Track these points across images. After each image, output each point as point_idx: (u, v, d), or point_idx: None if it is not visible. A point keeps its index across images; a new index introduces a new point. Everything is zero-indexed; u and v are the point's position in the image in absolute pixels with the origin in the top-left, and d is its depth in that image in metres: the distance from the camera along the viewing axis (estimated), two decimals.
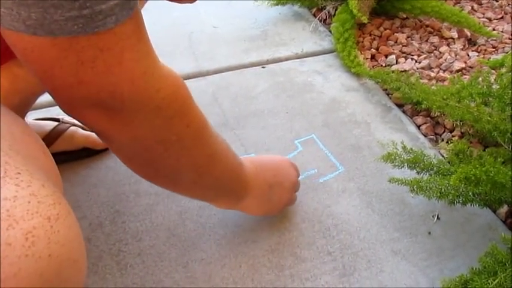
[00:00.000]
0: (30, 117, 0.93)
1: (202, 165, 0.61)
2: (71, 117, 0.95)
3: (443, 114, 1.03)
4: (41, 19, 0.37)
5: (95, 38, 0.40)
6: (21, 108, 0.86)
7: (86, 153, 0.93)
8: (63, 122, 0.93)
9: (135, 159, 0.58)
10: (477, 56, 1.26)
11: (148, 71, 0.47)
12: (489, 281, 0.63)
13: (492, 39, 1.32)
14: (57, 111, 1.05)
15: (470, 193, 0.75)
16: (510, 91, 0.88)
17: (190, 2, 0.50)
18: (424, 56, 1.26)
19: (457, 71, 1.20)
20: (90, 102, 0.46)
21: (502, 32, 1.36)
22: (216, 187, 0.68)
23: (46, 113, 1.04)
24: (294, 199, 0.82)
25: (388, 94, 1.15)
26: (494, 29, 1.38)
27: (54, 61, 0.41)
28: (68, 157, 0.92)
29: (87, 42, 0.40)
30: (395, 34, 1.35)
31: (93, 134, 0.93)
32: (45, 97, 0.90)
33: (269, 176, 0.76)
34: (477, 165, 0.69)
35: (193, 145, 0.58)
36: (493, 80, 0.96)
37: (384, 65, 1.25)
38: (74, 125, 0.93)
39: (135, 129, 0.51)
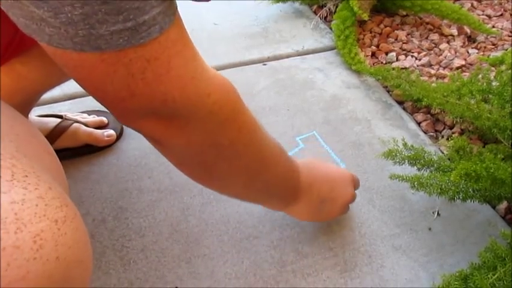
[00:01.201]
0: (33, 113, 0.93)
1: (254, 169, 0.61)
2: (73, 114, 0.97)
3: (444, 111, 1.03)
4: (88, 35, 0.37)
5: (141, 49, 0.40)
6: (25, 106, 0.87)
7: (88, 150, 0.94)
8: (66, 119, 0.93)
9: (188, 164, 0.59)
10: (477, 53, 1.27)
11: (196, 75, 0.47)
12: (489, 275, 0.64)
13: (492, 37, 1.33)
14: (59, 108, 1.06)
15: (470, 189, 0.76)
16: (510, 88, 0.89)
17: (207, 0, 0.50)
18: (424, 53, 1.27)
19: (457, 68, 1.21)
20: (144, 112, 0.47)
21: (502, 29, 1.37)
22: (266, 191, 0.68)
23: (49, 109, 1.05)
24: (345, 212, 0.81)
25: (388, 91, 1.16)
26: (493, 26, 1.38)
27: (105, 76, 0.42)
28: (71, 154, 0.92)
29: (134, 54, 0.40)
30: (395, 31, 1.36)
31: (96, 131, 0.94)
32: (48, 93, 0.91)
33: (324, 190, 0.74)
34: (477, 162, 0.69)
35: (246, 149, 0.58)
36: (492, 77, 0.96)
37: (384, 62, 1.26)
38: (77, 121, 0.94)
39: (189, 135, 0.51)
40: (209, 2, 0.50)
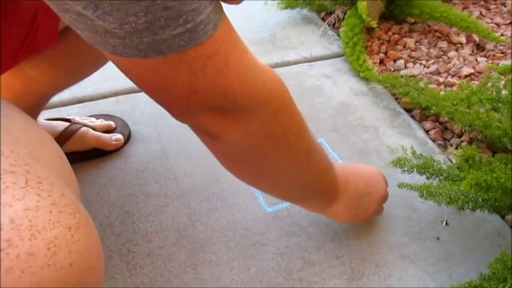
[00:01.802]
0: (42, 117, 0.94)
1: (303, 161, 0.62)
2: (81, 118, 0.97)
3: (452, 120, 1.03)
4: (152, 42, 0.39)
5: (200, 47, 0.42)
6: (34, 109, 0.87)
7: (96, 154, 0.94)
8: (74, 123, 0.93)
9: (242, 159, 0.59)
10: (486, 61, 1.26)
11: (250, 66, 0.48)
12: (498, 287, 0.63)
13: (501, 45, 1.32)
14: (68, 111, 1.06)
15: (480, 199, 0.75)
16: None
17: (237, 4, 0.50)
18: (433, 61, 1.27)
19: (466, 76, 1.20)
20: (205, 107, 0.48)
21: (511, 37, 1.36)
22: (311, 188, 0.68)
23: (57, 112, 1.05)
24: (380, 210, 0.82)
25: (396, 99, 1.15)
26: (502, 35, 1.38)
27: (168, 78, 0.43)
28: (79, 157, 0.93)
29: (195, 53, 0.42)
30: (403, 39, 1.35)
31: (104, 135, 0.95)
32: (56, 97, 0.92)
33: (360, 185, 0.75)
34: (487, 171, 0.69)
35: (296, 139, 0.59)
36: (502, 85, 0.96)
37: (392, 69, 1.25)
38: (85, 125, 0.94)
39: (246, 125, 0.52)
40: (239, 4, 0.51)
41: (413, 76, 1.19)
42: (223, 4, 0.48)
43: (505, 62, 1.24)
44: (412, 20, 1.43)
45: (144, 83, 0.46)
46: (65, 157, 0.47)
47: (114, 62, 0.43)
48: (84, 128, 0.93)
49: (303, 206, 0.75)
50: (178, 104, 0.48)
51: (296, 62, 1.28)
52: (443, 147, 1.02)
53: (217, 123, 0.51)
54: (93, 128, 0.95)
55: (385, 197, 0.80)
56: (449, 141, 1.04)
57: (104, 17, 0.36)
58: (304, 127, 0.60)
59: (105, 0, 0.35)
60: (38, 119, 0.91)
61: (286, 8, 1.46)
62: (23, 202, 0.35)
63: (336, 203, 0.73)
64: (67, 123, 0.93)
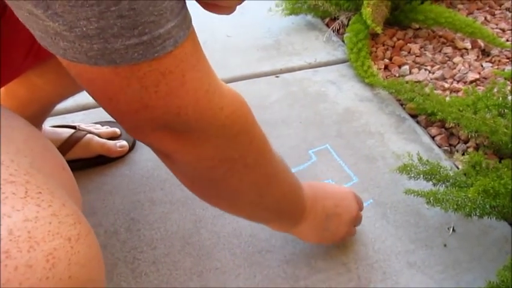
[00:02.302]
0: (47, 124, 0.94)
1: (263, 185, 0.61)
2: (86, 125, 0.97)
3: (458, 125, 1.02)
4: (103, 49, 0.37)
5: (155, 63, 0.40)
6: (39, 116, 0.87)
7: (101, 161, 0.94)
8: (79, 130, 0.93)
9: (198, 181, 0.57)
10: (491, 66, 1.26)
11: (210, 89, 0.47)
12: None
13: (506, 50, 1.32)
14: (72, 118, 1.07)
15: (487, 205, 0.75)
16: None
17: (229, 13, 0.49)
18: (438, 66, 1.26)
19: (471, 81, 1.20)
20: (156, 125, 0.46)
21: None
22: (274, 209, 0.67)
23: (62, 119, 1.05)
24: (352, 233, 0.80)
25: (402, 104, 1.15)
26: (507, 40, 1.37)
27: (118, 89, 0.41)
28: (84, 164, 0.93)
29: (148, 68, 0.40)
30: (408, 44, 1.35)
31: (109, 142, 0.95)
32: (61, 104, 0.92)
33: (329, 205, 0.73)
34: (495, 178, 0.68)
35: (256, 163, 0.57)
36: (508, 91, 0.95)
37: (397, 75, 1.25)
38: (90, 132, 0.94)
39: (201, 149, 0.50)
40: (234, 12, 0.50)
41: (419, 82, 1.19)
42: (216, 14, 0.47)
43: (510, 68, 1.23)
44: (417, 26, 1.43)
45: (93, 91, 0.44)
46: (68, 168, 0.47)
47: (65, 66, 0.41)
48: (89, 135, 0.93)
49: (268, 226, 0.73)
50: (127, 118, 0.46)
51: (300, 68, 1.28)
52: (450, 153, 1.01)
53: (170, 144, 0.49)
54: (98, 135, 0.95)
55: (356, 219, 0.77)
56: (455, 147, 1.03)
57: (54, 18, 0.35)
58: (267, 151, 0.59)
59: (57, 0, 0.33)
60: (43, 126, 0.91)
61: (290, 14, 1.46)
62: (22, 213, 0.34)
63: (303, 223, 0.72)
64: (72, 130, 0.93)
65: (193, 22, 0.44)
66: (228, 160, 0.54)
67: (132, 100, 0.42)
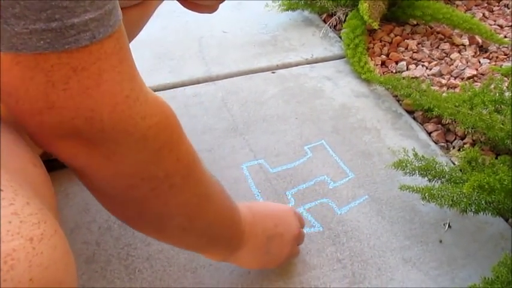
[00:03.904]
0: None
1: (193, 207, 0.54)
2: None
3: (455, 122, 1.02)
4: (1, 32, 0.32)
5: (66, 55, 0.35)
6: None
7: None
8: None
9: (116, 201, 0.50)
10: (488, 63, 1.25)
11: (132, 95, 0.41)
12: None
13: (504, 46, 1.31)
14: None
15: (483, 201, 0.74)
16: None
17: (210, 12, 0.47)
18: (435, 62, 1.26)
19: (469, 78, 1.19)
20: (63, 132, 0.40)
21: None
22: (207, 235, 0.60)
23: None
24: (296, 252, 0.74)
25: (398, 100, 1.14)
26: (505, 36, 1.37)
27: (19, 82, 0.36)
28: None
29: (57, 60, 0.35)
30: (405, 40, 1.35)
31: None
32: None
33: (269, 226, 0.68)
34: (490, 174, 0.68)
35: (184, 183, 0.51)
36: (505, 87, 0.95)
37: (394, 71, 1.24)
38: None
39: (117, 164, 0.44)
40: (216, 11, 0.47)
41: (416, 78, 1.19)
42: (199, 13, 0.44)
43: (508, 64, 1.23)
44: (414, 22, 1.42)
45: None
46: (41, 164, 0.43)
47: None
48: None
49: (203, 255, 0.66)
50: (31, 120, 0.39)
51: (297, 64, 1.27)
52: (446, 149, 1.01)
53: (81, 156, 0.43)
54: None
55: (299, 237, 0.72)
56: (451, 143, 1.03)
57: None
58: (197, 170, 0.53)
59: None
60: None
61: (287, 9, 1.45)
62: None
63: (242, 249, 0.65)
64: None
65: (190, 18, 0.42)
66: (151, 179, 0.47)
67: (35, 97, 0.37)
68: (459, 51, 1.31)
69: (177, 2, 0.74)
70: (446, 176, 0.80)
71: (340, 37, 1.35)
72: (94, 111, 0.39)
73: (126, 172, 0.45)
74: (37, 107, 0.37)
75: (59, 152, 0.43)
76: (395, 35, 1.37)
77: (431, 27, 1.41)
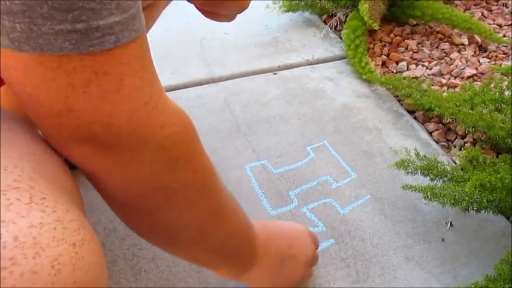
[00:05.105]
0: None
1: (207, 222, 0.53)
2: None
3: (455, 121, 1.03)
4: (28, 31, 0.32)
5: (89, 58, 0.35)
6: None
7: None
8: None
9: (128, 210, 0.49)
10: (488, 62, 1.26)
11: (151, 102, 0.41)
12: None
13: (503, 46, 1.32)
14: None
15: (484, 200, 0.75)
16: None
17: (229, 21, 0.48)
18: (435, 62, 1.27)
19: (468, 77, 1.20)
20: (80, 136, 0.40)
21: None
22: (219, 252, 0.59)
23: None
24: (309, 274, 0.73)
25: (399, 100, 1.15)
26: (504, 36, 1.38)
27: (41, 82, 0.36)
28: None
29: (80, 62, 0.35)
30: (405, 41, 1.35)
31: None
32: None
33: (283, 246, 0.67)
34: (492, 172, 0.69)
35: (199, 196, 0.50)
36: (505, 86, 0.96)
37: (394, 71, 1.25)
38: None
39: (133, 172, 0.44)
40: (234, 20, 0.47)
41: (416, 78, 1.19)
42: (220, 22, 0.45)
43: (507, 63, 1.24)
44: (414, 22, 1.43)
45: (12, 82, 0.38)
46: (69, 171, 0.44)
47: None
48: None
49: (213, 271, 0.65)
50: (48, 122, 0.39)
51: (298, 65, 1.28)
52: (447, 149, 1.02)
53: (96, 161, 0.42)
54: None
55: (313, 260, 0.71)
56: (452, 142, 1.04)
57: None
58: (215, 184, 0.53)
59: None
60: None
61: (287, 11, 1.46)
62: (27, 219, 0.34)
63: (254, 269, 0.64)
64: None
65: (191, 20, 0.43)
66: (165, 189, 0.47)
67: (55, 99, 0.37)
68: (459, 51, 1.31)
69: (178, 3, 0.74)
70: (448, 175, 0.81)
71: (341, 38, 1.36)
72: (112, 117, 0.39)
73: (140, 181, 0.45)
74: (56, 108, 0.37)
75: (73, 155, 0.43)
76: (395, 35, 1.37)
77: (430, 27, 1.41)
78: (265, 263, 0.65)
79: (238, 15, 0.65)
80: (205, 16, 0.46)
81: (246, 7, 0.46)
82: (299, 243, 0.69)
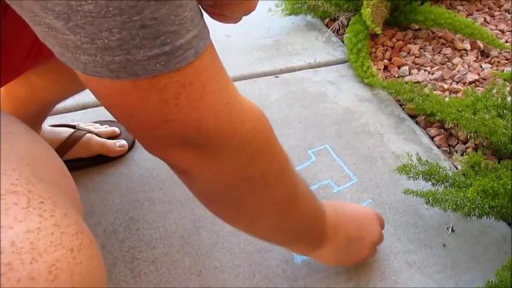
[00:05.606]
0: (46, 123, 0.94)
1: (285, 206, 0.59)
2: (86, 124, 0.97)
3: (457, 126, 1.03)
4: (125, 61, 0.36)
5: (176, 74, 0.39)
6: (39, 116, 0.87)
7: (101, 160, 0.94)
8: (78, 129, 0.93)
9: (217, 199, 0.56)
10: (490, 67, 1.26)
11: (230, 101, 0.45)
12: None
13: (505, 51, 1.32)
14: (72, 117, 1.07)
15: (486, 206, 0.75)
16: None
17: (235, 22, 0.49)
18: (437, 67, 1.26)
19: (470, 82, 1.20)
20: (175, 141, 0.45)
21: None
22: (294, 232, 0.65)
23: (61, 118, 1.06)
24: (373, 254, 0.77)
25: (401, 105, 1.15)
26: (507, 41, 1.38)
27: (137, 103, 0.40)
28: (83, 164, 0.93)
29: (168, 79, 0.39)
30: (408, 45, 1.35)
31: (108, 141, 0.95)
32: (61, 103, 0.92)
33: (351, 229, 0.71)
34: (494, 178, 0.68)
35: (277, 183, 0.55)
36: (507, 92, 0.96)
37: (396, 75, 1.25)
38: (90, 131, 0.94)
39: (220, 166, 0.49)
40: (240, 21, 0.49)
41: (418, 82, 1.19)
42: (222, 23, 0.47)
43: (509, 69, 1.24)
44: (417, 27, 1.43)
45: (112, 106, 0.43)
46: (69, 174, 0.46)
47: (83, 81, 0.40)
48: (88, 135, 0.93)
49: (286, 248, 0.72)
50: (148, 134, 0.45)
51: (300, 68, 1.28)
52: (449, 154, 1.02)
53: (188, 160, 0.47)
54: (98, 135, 0.95)
55: (379, 241, 0.75)
56: (454, 147, 1.03)
57: (75, 30, 0.34)
58: (288, 170, 0.57)
59: (79, 12, 0.32)
60: (42, 125, 0.91)
61: (290, 14, 1.47)
62: (25, 224, 0.34)
63: (324, 247, 0.69)
64: (72, 130, 0.93)
65: None
66: (248, 179, 0.52)
67: (151, 114, 0.41)
68: (461, 56, 1.31)
69: None
70: (450, 181, 0.81)
71: (343, 42, 1.36)
72: (201, 121, 0.43)
73: (228, 173, 0.50)
74: (153, 122, 0.42)
75: (168, 157, 0.48)
76: (398, 40, 1.38)
77: (433, 32, 1.41)
78: (334, 243, 0.69)
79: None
80: (213, 18, 0.47)
81: (254, 8, 0.48)
82: (367, 226, 0.73)
